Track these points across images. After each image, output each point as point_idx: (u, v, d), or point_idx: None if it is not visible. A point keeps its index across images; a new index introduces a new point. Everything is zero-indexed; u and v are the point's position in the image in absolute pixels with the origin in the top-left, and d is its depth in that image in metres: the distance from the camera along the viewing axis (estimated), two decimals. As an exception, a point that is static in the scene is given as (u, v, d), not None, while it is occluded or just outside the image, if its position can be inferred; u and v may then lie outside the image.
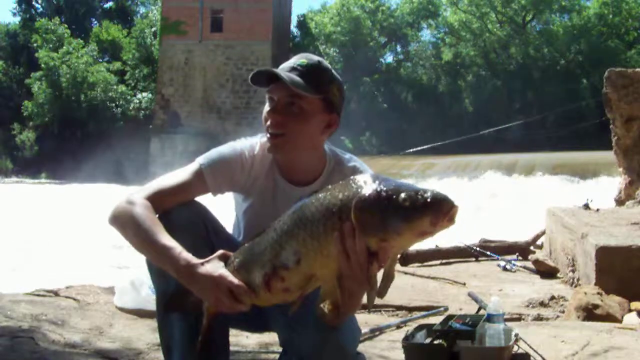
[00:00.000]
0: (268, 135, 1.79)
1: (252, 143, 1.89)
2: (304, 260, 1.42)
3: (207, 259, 1.58)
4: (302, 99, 1.75)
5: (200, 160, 1.82)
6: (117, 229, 1.69)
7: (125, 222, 1.66)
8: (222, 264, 1.57)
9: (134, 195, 1.71)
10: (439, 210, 1.28)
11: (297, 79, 1.73)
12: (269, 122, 1.78)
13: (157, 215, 1.69)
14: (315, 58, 1.81)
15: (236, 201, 1.97)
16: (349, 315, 1.62)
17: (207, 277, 1.54)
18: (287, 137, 1.76)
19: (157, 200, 1.72)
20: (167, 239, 1.61)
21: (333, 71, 1.83)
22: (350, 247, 1.36)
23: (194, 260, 1.57)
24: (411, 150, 12.45)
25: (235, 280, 1.53)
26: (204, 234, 1.76)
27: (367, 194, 1.35)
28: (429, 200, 1.29)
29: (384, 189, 1.34)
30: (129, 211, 1.66)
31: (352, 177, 1.44)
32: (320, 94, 1.76)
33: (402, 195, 1.31)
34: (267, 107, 1.81)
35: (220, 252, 1.60)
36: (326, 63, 1.83)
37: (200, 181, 1.79)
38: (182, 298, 1.64)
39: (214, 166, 1.80)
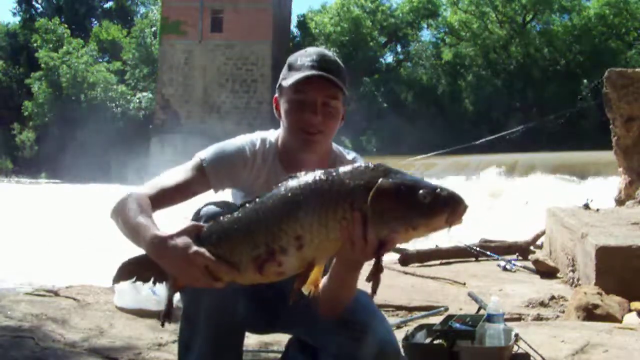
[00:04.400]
0: (302, 132, 1.79)
1: (252, 139, 1.89)
2: (307, 246, 1.38)
3: (177, 231, 1.49)
4: (336, 98, 1.78)
5: (202, 156, 1.81)
6: (114, 221, 1.68)
7: (117, 212, 1.65)
8: (193, 238, 1.48)
9: (134, 191, 1.71)
10: (457, 209, 1.34)
11: (336, 78, 1.75)
12: (305, 122, 1.77)
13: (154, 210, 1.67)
14: (329, 52, 1.84)
15: (234, 198, 1.97)
16: (345, 304, 1.64)
17: (179, 253, 1.45)
18: (324, 135, 1.79)
19: (158, 197, 1.71)
20: (143, 218, 1.57)
21: None
22: (358, 236, 1.36)
23: (163, 234, 1.49)
24: (418, 157, 12.51)
25: (213, 258, 1.44)
26: None
27: (387, 185, 1.35)
28: (448, 198, 1.34)
29: (404, 182, 1.36)
30: (123, 202, 1.65)
31: (359, 164, 1.43)
32: (345, 90, 1.81)
33: (422, 191, 1.34)
34: (293, 107, 1.79)
35: (190, 223, 1.52)
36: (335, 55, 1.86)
37: (202, 179, 1.79)
38: (143, 267, 1.56)
39: (216, 164, 1.80)
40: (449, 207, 1.34)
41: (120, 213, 1.63)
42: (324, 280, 1.61)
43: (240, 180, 1.85)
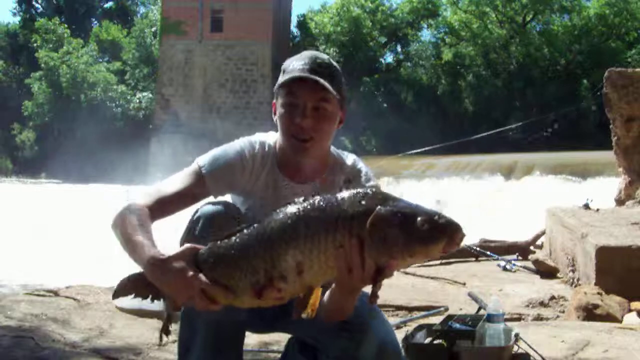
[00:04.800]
0: (294, 139, 1.77)
1: (251, 142, 1.87)
2: (306, 272, 1.38)
3: (174, 253, 1.49)
4: (328, 102, 1.75)
5: (200, 162, 1.80)
6: (114, 234, 1.68)
7: (117, 226, 1.65)
8: (190, 261, 1.48)
9: (134, 202, 1.70)
10: (454, 237, 1.34)
11: (326, 82, 1.73)
12: (296, 127, 1.75)
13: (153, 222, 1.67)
14: (324, 56, 1.82)
15: (233, 201, 1.96)
16: (347, 314, 1.63)
17: (176, 276, 1.45)
18: (316, 140, 1.77)
19: (158, 207, 1.70)
20: (142, 237, 1.57)
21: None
22: (355, 263, 1.36)
23: (161, 256, 1.49)
24: (412, 152, 12.46)
25: (209, 282, 1.44)
26: None
27: (384, 213, 1.35)
28: (446, 226, 1.34)
29: (401, 209, 1.36)
30: (122, 216, 1.65)
31: (358, 189, 1.42)
32: (339, 93, 1.78)
33: (420, 218, 1.34)
34: (285, 110, 1.78)
35: (187, 245, 1.52)
36: (331, 59, 1.84)
37: (202, 186, 1.78)
38: (141, 285, 1.56)
39: (215, 170, 1.79)
40: (446, 235, 1.34)
41: (120, 227, 1.63)
42: (325, 297, 1.60)
43: (239, 185, 1.84)
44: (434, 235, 1.33)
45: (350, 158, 1.94)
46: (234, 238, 1.47)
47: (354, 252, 1.35)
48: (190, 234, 1.72)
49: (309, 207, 1.41)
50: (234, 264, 1.45)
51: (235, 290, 1.45)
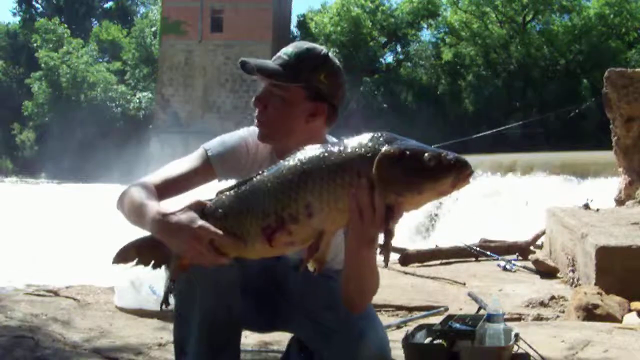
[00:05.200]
0: (257, 123, 1.82)
1: (256, 129, 1.89)
2: (316, 214, 1.38)
3: (180, 208, 1.47)
4: (281, 88, 1.75)
5: (206, 146, 1.83)
6: (119, 210, 1.69)
7: (122, 199, 1.67)
8: (197, 213, 1.47)
9: (139, 180, 1.72)
10: (461, 172, 1.34)
11: (276, 67, 1.73)
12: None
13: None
14: (305, 45, 1.79)
15: None
16: (368, 291, 1.59)
17: (183, 229, 1.43)
18: (268, 124, 1.78)
19: (164, 186, 1.72)
20: (148, 200, 1.57)
21: (327, 58, 1.78)
22: (365, 204, 1.36)
23: (167, 210, 1.49)
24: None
25: (219, 232, 1.43)
26: None
27: (391, 151, 1.35)
28: (452, 162, 1.34)
29: (408, 147, 1.37)
30: (128, 190, 1.67)
31: (366, 133, 1.42)
32: (300, 82, 1.74)
33: (427, 154, 1.34)
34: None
35: (194, 200, 1.51)
36: (319, 50, 1.78)
37: (208, 168, 1.80)
38: (144, 250, 1.55)
39: (221, 153, 1.81)
40: (454, 171, 1.34)
41: (125, 199, 1.65)
42: (343, 274, 1.58)
43: (244, 169, 1.85)
44: (441, 171, 1.33)
45: None
46: (242, 187, 1.47)
47: (362, 193, 1.35)
48: None
49: (316, 151, 1.42)
50: (244, 210, 1.44)
51: (246, 238, 1.43)
